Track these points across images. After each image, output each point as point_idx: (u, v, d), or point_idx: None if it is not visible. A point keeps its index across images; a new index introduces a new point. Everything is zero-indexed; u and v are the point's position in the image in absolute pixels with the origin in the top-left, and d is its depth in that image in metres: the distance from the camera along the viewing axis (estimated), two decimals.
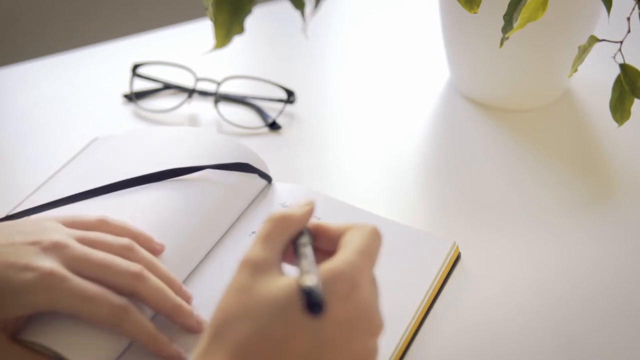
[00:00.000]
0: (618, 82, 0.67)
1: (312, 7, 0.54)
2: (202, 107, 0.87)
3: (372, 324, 0.48)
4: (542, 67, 0.82)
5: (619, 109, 0.67)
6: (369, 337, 0.48)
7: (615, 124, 0.68)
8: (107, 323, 0.54)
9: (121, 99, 0.88)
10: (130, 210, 0.64)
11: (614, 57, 0.67)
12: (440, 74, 0.91)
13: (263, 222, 0.50)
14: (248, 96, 0.88)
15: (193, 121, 0.85)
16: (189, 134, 0.74)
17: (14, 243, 0.55)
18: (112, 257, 0.56)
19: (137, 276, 0.56)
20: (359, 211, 0.70)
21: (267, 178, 0.72)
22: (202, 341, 0.47)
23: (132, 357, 0.57)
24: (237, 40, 0.54)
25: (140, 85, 0.89)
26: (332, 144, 0.83)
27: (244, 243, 0.65)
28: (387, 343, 0.58)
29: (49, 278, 0.53)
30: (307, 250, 0.48)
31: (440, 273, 0.65)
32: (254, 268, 0.47)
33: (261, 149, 0.75)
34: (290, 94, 0.86)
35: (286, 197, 0.71)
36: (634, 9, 0.67)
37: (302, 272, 0.46)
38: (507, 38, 0.68)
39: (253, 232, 0.67)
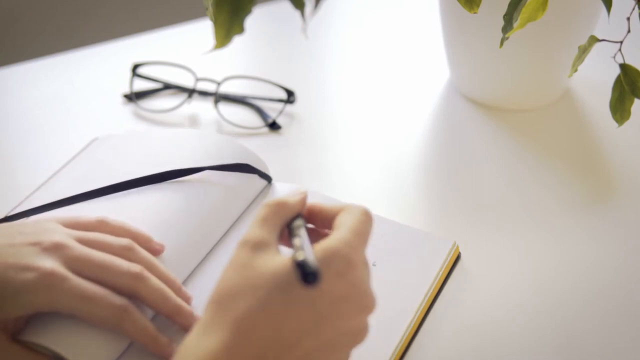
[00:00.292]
0: (618, 82, 0.67)
1: (312, 7, 0.54)
2: (202, 107, 0.87)
3: (365, 301, 0.50)
4: (542, 67, 0.82)
5: (619, 109, 0.67)
6: (362, 313, 0.50)
7: (615, 124, 0.68)
8: (107, 323, 0.54)
9: (121, 99, 0.88)
10: (131, 211, 0.64)
11: (614, 57, 0.67)
12: (440, 74, 0.91)
13: (260, 207, 0.52)
14: (248, 96, 0.88)
15: (193, 121, 0.85)
16: (189, 134, 0.74)
17: (14, 244, 0.55)
18: (112, 258, 0.56)
19: (137, 276, 0.56)
20: None
21: (267, 178, 0.72)
22: (203, 315, 0.48)
23: (132, 357, 0.57)
24: (237, 40, 0.54)
25: (140, 85, 0.89)
26: (332, 144, 0.83)
27: None
28: (387, 343, 0.59)
29: (49, 278, 0.53)
30: (301, 232, 0.51)
31: (440, 273, 0.65)
32: (253, 246, 0.49)
33: (261, 149, 0.75)
34: (290, 94, 0.86)
35: None
36: (634, 9, 0.67)
37: (296, 249, 0.48)
38: (507, 38, 0.68)
39: None
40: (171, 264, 0.61)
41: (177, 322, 0.57)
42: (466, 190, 0.76)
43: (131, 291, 0.56)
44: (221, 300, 0.48)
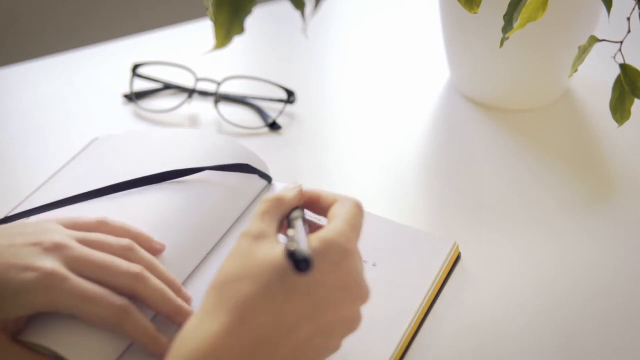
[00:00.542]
0: (618, 82, 0.67)
1: (312, 7, 0.54)
2: (202, 107, 0.87)
3: (360, 291, 0.52)
4: (542, 67, 0.82)
5: (619, 109, 0.67)
6: (356, 302, 0.52)
7: (615, 124, 0.68)
8: (107, 323, 0.54)
9: (121, 99, 0.88)
10: (131, 211, 0.64)
11: (614, 57, 0.67)
12: (440, 74, 0.91)
13: (260, 202, 0.55)
14: (248, 96, 0.88)
15: (193, 121, 0.85)
16: (189, 134, 0.74)
17: (14, 244, 0.55)
18: (113, 258, 0.56)
19: (137, 276, 0.56)
20: None
21: (267, 178, 0.72)
22: (204, 300, 0.50)
23: (132, 357, 0.57)
24: (237, 40, 0.54)
25: (140, 85, 0.89)
26: (332, 144, 0.83)
27: None
28: (387, 343, 0.59)
29: (49, 278, 0.53)
30: (297, 223, 0.54)
31: (441, 273, 0.65)
32: (253, 237, 0.51)
33: (261, 149, 0.75)
34: (290, 94, 0.86)
35: None
36: (634, 9, 0.67)
37: (289, 239, 0.51)
38: (507, 38, 0.68)
39: None
40: (171, 264, 0.61)
41: (177, 322, 0.57)
42: (466, 190, 0.76)
43: (131, 291, 0.56)
44: (222, 286, 0.49)
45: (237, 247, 0.51)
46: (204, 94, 0.87)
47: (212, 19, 0.56)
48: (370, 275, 0.60)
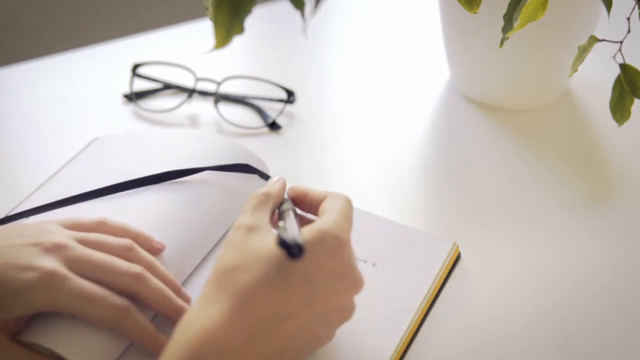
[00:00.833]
0: (618, 82, 0.67)
1: (312, 7, 0.54)
2: (202, 107, 0.87)
3: (354, 280, 0.54)
4: (542, 67, 0.82)
5: (619, 109, 0.67)
6: (351, 291, 0.54)
7: (615, 124, 0.68)
8: (107, 323, 0.54)
9: (121, 99, 0.88)
10: (131, 211, 0.64)
11: (614, 57, 0.67)
12: (440, 74, 0.91)
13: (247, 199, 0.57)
14: (248, 96, 0.88)
15: (193, 121, 0.85)
16: (189, 135, 0.74)
17: (14, 244, 0.55)
18: (113, 258, 0.56)
19: (137, 277, 0.56)
20: (358, 211, 0.69)
21: (267, 178, 0.72)
22: (203, 290, 0.51)
23: (132, 357, 0.57)
24: (237, 40, 0.54)
25: (140, 85, 0.89)
26: (332, 144, 0.83)
27: None
28: (387, 343, 0.59)
29: (50, 278, 0.53)
30: (288, 214, 0.56)
31: (441, 273, 0.65)
32: (247, 229, 0.53)
33: (261, 149, 0.75)
34: (290, 94, 0.86)
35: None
36: (634, 9, 0.67)
37: (280, 229, 0.53)
38: (507, 38, 0.68)
39: None
40: (171, 264, 0.61)
41: (177, 323, 0.57)
42: (466, 190, 0.76)
43: (131, 291, 0.56)
44: (221, 276, 0.51)
45: (232, 239, 0.53)
46: (204, 94, 0.87)
47: (212, 19, 0.56)
48: (370, 275, 0.60)
